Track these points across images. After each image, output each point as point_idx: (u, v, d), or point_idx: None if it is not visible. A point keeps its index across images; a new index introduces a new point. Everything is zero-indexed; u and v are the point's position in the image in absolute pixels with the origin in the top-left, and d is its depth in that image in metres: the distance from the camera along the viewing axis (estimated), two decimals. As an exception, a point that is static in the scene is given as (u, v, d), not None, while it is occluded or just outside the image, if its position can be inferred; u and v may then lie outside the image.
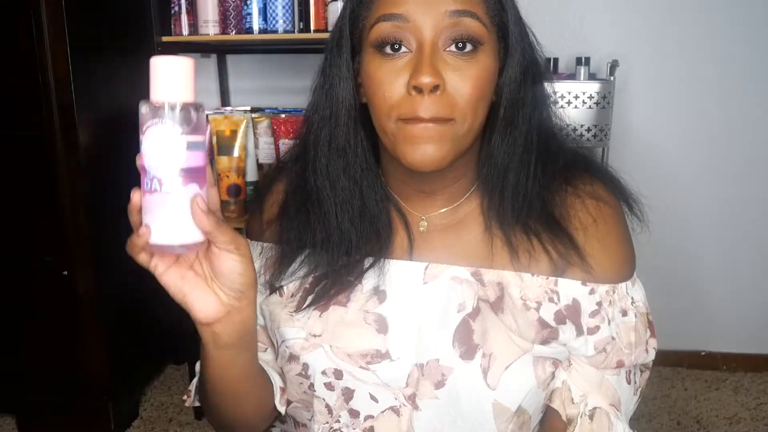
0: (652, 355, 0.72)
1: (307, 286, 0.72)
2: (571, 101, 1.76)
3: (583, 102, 1.76)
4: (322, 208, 0.70)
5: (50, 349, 1.84)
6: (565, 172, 0.71)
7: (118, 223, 2.19)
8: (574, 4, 2.05)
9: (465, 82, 0.61)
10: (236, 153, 1.84)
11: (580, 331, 0.67)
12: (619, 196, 0.73)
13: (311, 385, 0.71)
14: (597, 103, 1.76)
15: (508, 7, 0.65)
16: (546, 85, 0.70)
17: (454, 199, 0.71)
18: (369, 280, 0.71)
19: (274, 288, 0.74)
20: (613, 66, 1.82)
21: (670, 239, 2.16)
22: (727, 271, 2.19)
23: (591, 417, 0.68)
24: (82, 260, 1.76)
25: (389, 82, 0.62)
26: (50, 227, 1.75)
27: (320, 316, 0.70)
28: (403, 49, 0.62)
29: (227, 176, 1.84)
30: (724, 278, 2.20)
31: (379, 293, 0.70)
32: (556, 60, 1.90)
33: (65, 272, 1.76)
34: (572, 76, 1.83)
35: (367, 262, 0.71)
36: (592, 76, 1.84)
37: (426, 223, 0.72)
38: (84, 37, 1.69)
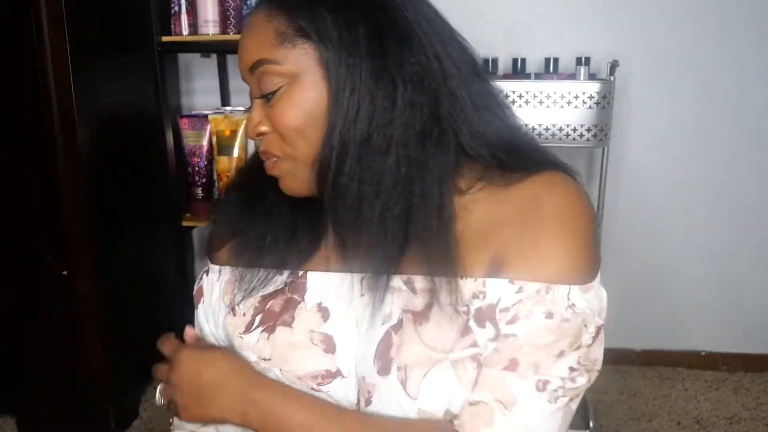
0: (580, 382, 0.64)
1: (257, 304, 0.73)
2: (571, 101, 1.76)
3: (583, 102, 1.76)
4: (256, 199, 0.75)
5: (50, 349, 1.84)
6: (526, 167, 0.67)
7: (118, 223, 2.19)
8: (574, 4, 2.05)
9: (278, 120, 0.65)
10: (236, 153, 1.84)
11: (498, 333, 0.64)
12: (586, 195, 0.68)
13: None
14: (597, 103, 1.76)
15: (326, 11, 0.62)
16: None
17: None
18: (311, 295, 0.71)
19: (230, 308, 0.75)
20: (613, 66, 1.82)
21: (670, 239, 2.16)
22: (728, 270, 2.19)
23: (472, 405, 0.64)
24: (82, 260, 1.76)
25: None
26: (50, 227, 1.75)
27: (268, 338, 0.70)
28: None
29: (227, 176, 1.84)
30: (724, 278, 2.20)
31: (322, 310, 0.70)
32: (556, 60, 1.90)
33: (65, 272, 1.76)
34: (572, 76, 1.83)
35: (299, 258, 0.72)
36: (592, 76, 1.84)
37: None
38: (84, 37, 1.69)
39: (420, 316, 0.65)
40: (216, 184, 1.90)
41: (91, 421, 1.88)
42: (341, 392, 0.68)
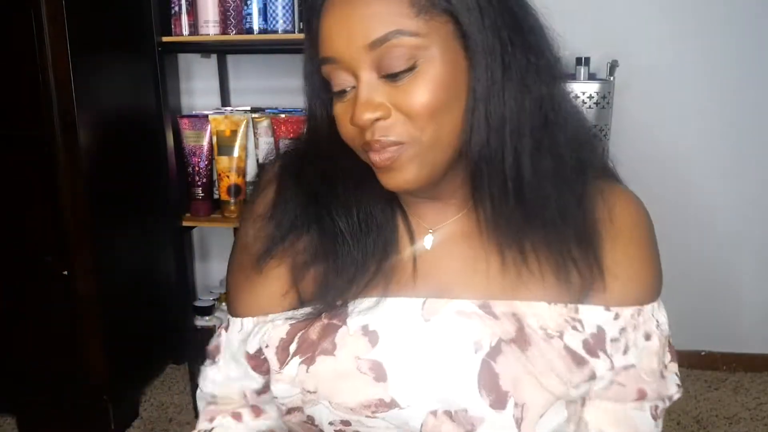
0: (678, 391, 0.68)
1: (284, 335, 0.65)
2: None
3: (583, 102, 1.76)
4: (318, 220, 0.66)
5: (50, 349, 1.84)
6: (594, 177, 0.65)
7: (118, 223, 2.19)
8: (574, 4, 2.05)
9: (413, 101, 0.56)
10: (236, 153, 1.84)
11: (612, 365, 0.63)
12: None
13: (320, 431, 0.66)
14: (597, 103, 1.76)
15: (458, 8, 0.57)
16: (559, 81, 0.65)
17: (469, 203, 0.66)
18: (355, 319, 0.64)
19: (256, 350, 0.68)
20: (613, 66, 1.82)
21: (669, 239, 2.15)
22: (727, 270, 2.19)
23: None
24: (82, 260, 1.76)
25: (342, 121, 0.60)
26: (50, 228, 1.75)
27: (308, 371, 0.63)
28: (348, 87, 0.59)
29: (227, 176, 1.84)
30: (724, 278, 2.20)
31: (369, 334, 0.63)
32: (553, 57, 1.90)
33: (65, 272, 1.76)
34: (572, 76, 1.83)
35: (359, 289, 0.64)
36: (592, 76, 1.84)
37: (432, 238, 0.67)
38: (84, 37, 1.69)
39: (519, 342, 0.60)
40: (216, 184, 1.90)
41: (91, 421, 1.88)
42: (400, 420, 0.62)
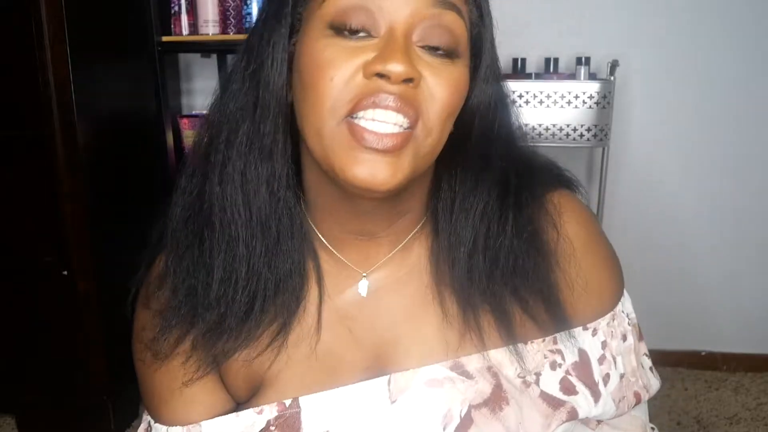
0: (656, 384, 0.66)
1: None
2: (571, 101, 1.76)
3: (583, 102, 1.76)
4: (225, 234, 0.52)
5: (50, 349, 1.84)
6: (537, 192, 0.58)
7: (118, 223, 2.19)
8: (574, 4, 2.05)
9: (440, 85, 0.48)
10: (236, 153, 1.85)
11: (596, 394, 0.58)
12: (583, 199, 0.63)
13: None
14: (597, 103, 1.76)
15: (487, 23, 0.53)
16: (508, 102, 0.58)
17: (401, 238, 0.56)
18: (311, 427, 0.53)
19: None
20: (613, 66, 1.82)
21: (669, 239, 2.16)
22: (727, 270, 2.19)
23: None
24: (82, 260, 1.76)
25: (340, 62, 0.47)
26: (50, 227, 1.74)
27: None
28: (363, 33, 0.47)
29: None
30: (724, 278, 2.20)
31: None
32: (556, 60, 1.90)
33: (65, 272, 1.76)
34: (572, 76, 1.83)
35: (268, 332, 0.53)
36: (592, 76, 1.84)
37: (367, 283, 0.56)
38: (84, 37, 1.69)
39: (493, 404, 0.53)
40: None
41: (91, 421, 1.88)
42: None
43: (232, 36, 1.76)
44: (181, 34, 1.78)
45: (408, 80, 0.46)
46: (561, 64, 1.93)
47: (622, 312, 0.63)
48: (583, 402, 0.57)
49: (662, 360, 2.22)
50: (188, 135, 1.86)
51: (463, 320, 0.55)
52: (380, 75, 0.46)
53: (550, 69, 1.89)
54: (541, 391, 0.55)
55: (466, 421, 0.53)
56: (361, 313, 0.56)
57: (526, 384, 0.55)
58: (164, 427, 0.58)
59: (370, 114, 0.46)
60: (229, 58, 2.17)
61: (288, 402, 0.53)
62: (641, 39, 2.03)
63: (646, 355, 0.67)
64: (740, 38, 2.00)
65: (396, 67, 0.45)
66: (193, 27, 1.78)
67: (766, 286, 2.19)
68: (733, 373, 2.21)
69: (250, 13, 1.74)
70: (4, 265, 1.81)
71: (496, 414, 0.53)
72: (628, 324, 0.63)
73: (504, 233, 0.53)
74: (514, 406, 0.54)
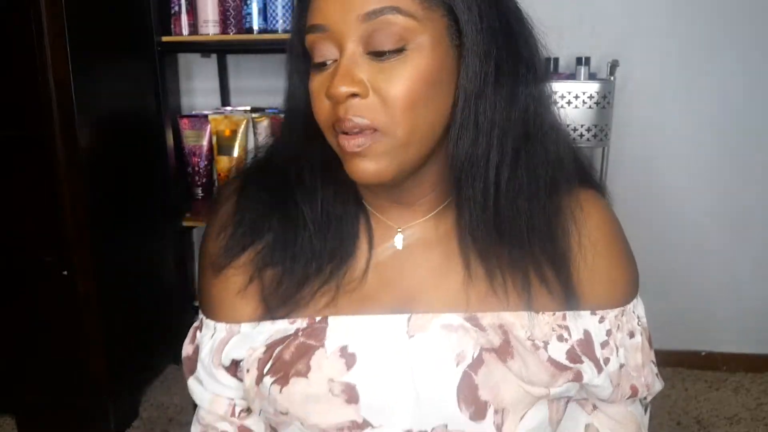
0: (659, 384, 0.70)
1: (261, 356, 0.63)
2: (571, 101, 1.76)
3: (583, 102, 1.76)
4: (280, 211, 0.65)
5: (50, 349, 1.84)
6: (566, 185, 0.64)
7: (118, 223, 2.19)
8: (574, 4, 2.05)
9: (392, 85, 0.54)
10: (236, 153, 1.84)
11: (599, 367, 0.63)
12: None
13: None
14: (597, 103, 1.77)
15: (458, 3, 0.56)
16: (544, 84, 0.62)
17: (435, 206, 0.65)
18: (334, 340, 0.62)
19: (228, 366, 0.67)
20: (613, 66, 1.82)
21: (669, 239, 2.16)
22: (728, 270, 2.19)
23: None
24: (82, 260, 1.76)
25: (317, 94, 0.57)
26: (50, 227, 1.75)
27: (281, 392, 0.61)
28: (330, 59, 0.57)
29: (227, 176, 1.84)
30: (725, 278, 2.20)
31: (346, 356, 0.61)
32: (556, 60, 1.90)
33: (65, 272, 1.76)
34: (572, 76, 1.83)
35: (322, 281, 0.63)
36: (592, 76, 1.84)
37: (402, 237, 0.65)
38: (84, 37, 1.69)
39: (501, 353, 0.59)
40: (216, 183, 1.90)
41: (91, 421, 1.88)
42: None
43: (232, 36, 1.76)
44: (181, 34, 1.78)
45: (353, 95, 0.54)
46: (561, 64, 1.94)
47: (633, 312, 0.67)
48: (588, 369, 0.62)
49: (662, 360, 2.20)
50: (188, 135, 1.86)
51: (485, 282, 0.61)
52: (331, 98, 0.55)
53: (550, 69, 1.89)
54: (549, 356, 0.60)
55: (478, 362, 0.59)
56: (395, 263, 0.65)
57: (535, 347, 0.61)
58: (213, 323, 0.68)
59: (341, 129, 0.56)
60: (229, 58, 2.17)
61: (318, 318, 0.63)
62: (641, 39, 2.03)
63: (653, 362, 0.70)
64: (740, 38, 2.00)
65: (336, 91, 0.54)
66: (193, 27, 1.78)
67: (767, 287, 2.19)
68: (733, 373, 2.21)
69: (250, 13, 1.74)
70: (4, 265, 1.81)
71: (504, 361, 0.59)
72: (638, 324, 0.67)
73: (534, 206, 0.60)
74: (519, 360, 0.59)
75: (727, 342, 2.23)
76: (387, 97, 0.54)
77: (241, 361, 0.65)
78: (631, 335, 0.66)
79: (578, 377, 0.61)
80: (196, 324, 0.72)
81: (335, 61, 0.56)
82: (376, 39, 0.54)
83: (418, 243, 0.65)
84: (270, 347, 0.63)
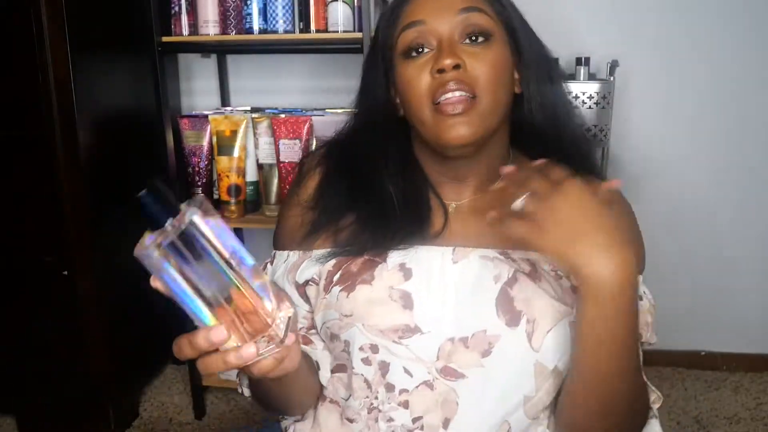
0: (654, 338, 0.79)
1: (331, 268, 0.76)
2: (571, 101, 1.76)
3: (583, 102, 1.76)
4: (365, 189, 0.79)
5: (50, 349, 1.84)
6: (586, 172, 0.76)
7: (118, 223, 2.18)
8: (574, 4, 2.05)
9: (482, 63, 0.72)
10: (236, 153, 1.84)
11: None
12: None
13: (350, 361, 0.75)
14: (597, 103, 1.76)
15: (508, 7, 0.78)
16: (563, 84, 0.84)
17: (483, 187, 0.80)
18: (394, 258, 0.75)
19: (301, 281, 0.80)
20: (613, 66, 1.82)
21: (669, 239, 2.16)
22: (727, 270, 2.19)
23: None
24: (82, 260, 1.76)
25: (417, 75, 0.73)
26: (50, 227, 1.75)
27: (348, 296, 0.74)
28: (426, 50, 0.74)
29: (227, 176, 1.84)
30: (725, 278, 2.20)
31: (405, 270, 0.74)
32: (556, 60, 1.89)
33: (65, 272, 1.76)
34: (572, 76, 1.83)
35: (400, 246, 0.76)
36: (592, 76, 1.84)
37: (455, 206, 0.81)
38: (84, 37, 1.69)
39: (532, 276, 0.73)
40: (216, 184, 1.90)
41: (91, 421, 1.89)
42: (420, 347, 0.72)
43: (232, 36, 1.76)
44: (181, 34, 1.77)
45: (456, 66, 0.71)
46: (561, 64, 1.93)
47: (641, 285, 0.76)
48: None
49: (662, 360, 2.23)
50: (188, 135, 1.86)
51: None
52: (439, 71, 0.71)
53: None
54: (572, 284, 0.71)
55: (513, 280, 0.72)
56: (450, 223, 0.80)
57: (558, 276, 0.73)
58: (286, 252, 0.83)
59: (444, 97, 0.71)
60: (229, 58, 2.17)
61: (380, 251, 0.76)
62: (641, 39, 2.03)
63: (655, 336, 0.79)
64: (740, 38, 2.01)
65: (445, 61, 0.71)
66: (193, 27, 1.78)
67: (766, 287, 2.19)
68: (733, 373, 2.21)
69: (250, 14, 1.74)
70: (4, 265, 1.81)
71: (536, 282, 0.73)
72: (645, 296, 0.77)
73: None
74: (546, 283, 0.72)
75: (727, 342, 2.23)
76: (480, 71, 0.72)
77: (310, 281, 0.78)
78: (640, 298, 0.74)
79: None
80: (267, 260, 0.85)
81: (431, 51, 0.74)
82: (468, 30, 0.73)
83: (465, 212, 0.81)
84: (339, 262, 0.77)
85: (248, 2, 1.74)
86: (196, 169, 1.87)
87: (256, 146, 1.85)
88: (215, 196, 1.91)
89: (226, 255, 0.51)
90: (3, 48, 1.65)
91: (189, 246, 0.49)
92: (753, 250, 2.17)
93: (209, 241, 0.50)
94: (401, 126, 0.80)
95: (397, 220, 0.77)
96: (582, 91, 1.76)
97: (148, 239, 0.49)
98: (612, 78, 1.78)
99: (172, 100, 2.03)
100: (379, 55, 0.78)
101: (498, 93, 0.73)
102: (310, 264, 0.79)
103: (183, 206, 0.51)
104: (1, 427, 1.93)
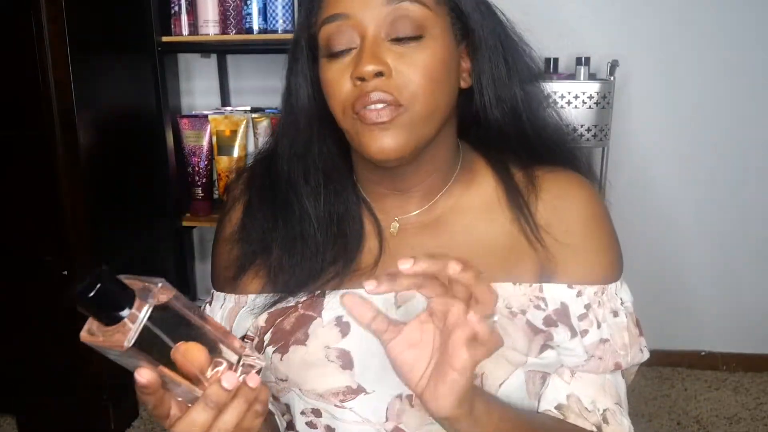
0: (646, 354, 0.70)
1: (263, 324, 0.68)
2: (571, 101, 1.76)
3: (583, 102, 1.76)
4: (286, 211, 0.69)
5: (50, 349, 1.84)
6: (557, 169, 0.70)
7: (118, 223, 2.18)
8: (574, 4, 2.05)
9: (411, 68, 0.60)
10: (236, 153, 1.84)
11: (573, 332, 0.65)
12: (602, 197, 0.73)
13: (294, 425, 0.69)
14: (597, 103, 1.76)
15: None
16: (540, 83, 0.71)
17: (430, 196, 0.69)
18: (329, 312, 0.66)
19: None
20: (613, 66, 1.82)
21: (669, 239, 2.16)
22: (727, 270, 2.19)
23: (605, 420, 0.67)
24: (82, 260, 1.76)
25: (337, 80, 0.62)
26: (50, 227, 1.75)
27: (281, 359, 0.66)
28: (349, 47, 0.61)
29: (227, 176, 1.85)
30: (724, 278, 2.20)
31: (341, 325, 0.65)
32: (556, 60, 1.90)
33: (65, 272, 1.76)
34: (572, 76, 1.83)
35: (330, 276, 0.67)
36: (592, 76, 1.84)
37: (398, 225, 0.70)
38: (84, 37, 1.69)
39: None
40: (216, 184, 1.90)
41: (91, 421, 1.88)
42: (367, 409, 0.65)
43: (232, 36, 1.76)
44: (181, 34, 1.78)
45: (378, 74, 0.59)
46: (561, 64, 1.93)
47: (616, 294, 0.68)
48: (561, 332, 0.65)
49: (662, 360, 2.23)
50: (188, 135, 1.86)
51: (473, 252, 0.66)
52: (359, 78, 0.60)
53: (549, 69, 1.88)
54: (527, 320, 0.64)
55: None
56: (390, 247, 0.70)
57: (512, 314, 0.64)
58: (222, 294, 0.74)
59: (364, 109, 0.60)
60: (229, 58, 2.17)
61: (317, 292, 0.67)
62: (641, 39, 2.03)
63: (646, 347, 0.71)
64: (740, 38, 2.01)
65: (365, 69, 0.59)
66: (193, 27, 1.78)
67: (766, 286, 2.19)
68: (733, 373, 2.21)
69: (250, 14, 1.74)
70: (4, 265, 1.81)
71: None
72: (621, 305, 0.69)
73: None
74: (498, 328, 0.61)
75: (727, 342, 2.23)
76: (409, 78, 0.60)
77: (245, 337, 0.70)
78: (615, 314, 0.67)
79: (548, 338, 0.64)
80: (207, 300, 0.78)
81: (354, 49, 0.61)
82: (398, 26, 0.60)
83: (411, 228, 0.70)
84: (271, 317, 0.68)
85: (248, 2, 1.74)
86: (196, 169, 1.87)
87: (256, 146, 1.85)
88: (215, 196, 1.92)
89: (199, 323, 0.51)
90: (3, 48, 1.65)
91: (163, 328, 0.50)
92: (753, 249, 2.17)
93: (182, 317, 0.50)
94: (332, 131, 0.67)
95: (320, 252, 0.67)
96: (582, 91, 1.76)
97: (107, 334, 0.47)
98: (612, 78, 1.78)
99: (172, 100, 2.04)
100: (300, 51, 0.67)
101: (433, 98, 0.61)
102: (244, 315, 0.70)
103: (136, 290, 0.49)
104: (1, 427, 1.93)
